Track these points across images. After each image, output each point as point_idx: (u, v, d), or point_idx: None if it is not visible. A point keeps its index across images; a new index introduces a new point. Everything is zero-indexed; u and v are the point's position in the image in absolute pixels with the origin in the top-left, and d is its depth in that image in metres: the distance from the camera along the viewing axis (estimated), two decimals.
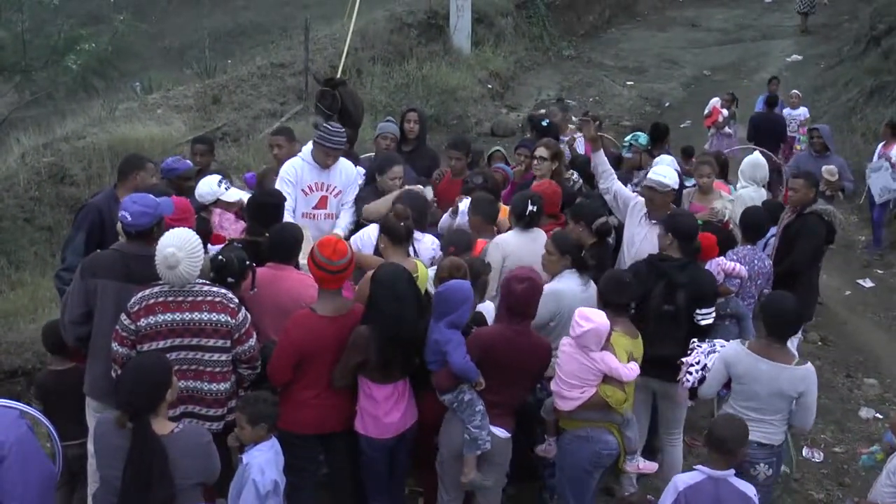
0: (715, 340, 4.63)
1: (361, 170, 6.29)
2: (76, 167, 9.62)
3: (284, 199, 5.26)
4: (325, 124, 6.07)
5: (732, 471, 3.82)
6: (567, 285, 4.71)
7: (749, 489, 3.84)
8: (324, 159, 5.88)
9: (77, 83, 14.43)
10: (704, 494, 3.78)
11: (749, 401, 4.24)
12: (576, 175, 6.66)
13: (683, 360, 4.53)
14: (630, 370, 4.19)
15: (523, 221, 5.08)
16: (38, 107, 15.06)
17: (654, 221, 5.35)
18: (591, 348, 4.14)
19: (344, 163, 6.08)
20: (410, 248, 5.07)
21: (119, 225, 4.29)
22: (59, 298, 4.84)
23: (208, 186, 5.44)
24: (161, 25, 24.66)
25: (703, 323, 4.76)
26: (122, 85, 15.12)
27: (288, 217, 5.50)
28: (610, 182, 5.71)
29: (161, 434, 3.27)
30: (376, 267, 4.40)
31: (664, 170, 5.59)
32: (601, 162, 5.73)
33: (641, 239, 5.39)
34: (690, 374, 4.47)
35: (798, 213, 6.20)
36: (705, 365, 4.44)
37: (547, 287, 4.50)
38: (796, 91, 13.16)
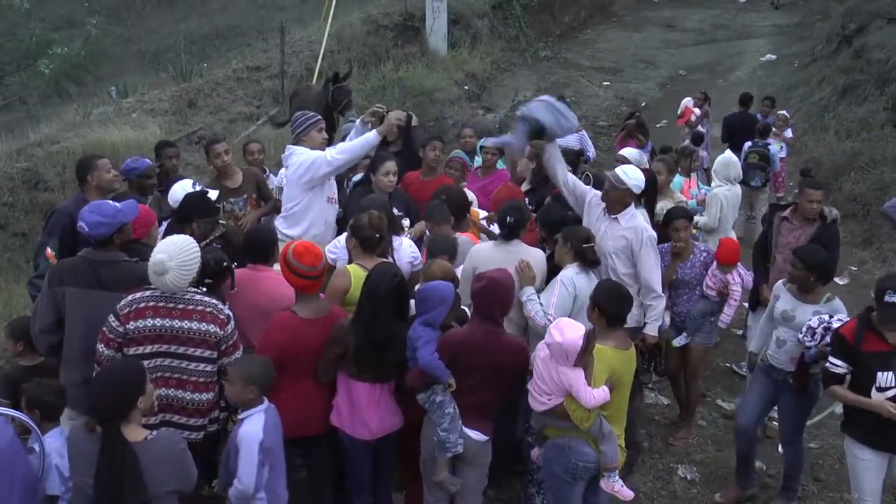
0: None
1: None
2: (50, 172, 9.49)
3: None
4: (297, 114, 6.27)
5: None
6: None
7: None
8: (322, 138, 6.11)
9: (50, 87, 14.31)
10: None
11: None
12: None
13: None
14: (594, 397, 3.92)
15: (503, 232, 5.15)
16: (10, 112, 14.92)
17: (613, 216, 5.28)
18: (560, 362, 3.95)
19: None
20: (390, 258, 5.10)
21: None
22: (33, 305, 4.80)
23: (182, 190, 5.41)
24: (136, 29, 24.53)
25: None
26: (97, 89, 14.98)
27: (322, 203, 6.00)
28: (562, 173, 5.58)
29: (134, 441, 3.24)
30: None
31: (630, 168, 5.42)
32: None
33: (602, 235, 5.25)
34: None
35: (823, 223, 5.94)
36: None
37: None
38: (784, 112, 12.11)
